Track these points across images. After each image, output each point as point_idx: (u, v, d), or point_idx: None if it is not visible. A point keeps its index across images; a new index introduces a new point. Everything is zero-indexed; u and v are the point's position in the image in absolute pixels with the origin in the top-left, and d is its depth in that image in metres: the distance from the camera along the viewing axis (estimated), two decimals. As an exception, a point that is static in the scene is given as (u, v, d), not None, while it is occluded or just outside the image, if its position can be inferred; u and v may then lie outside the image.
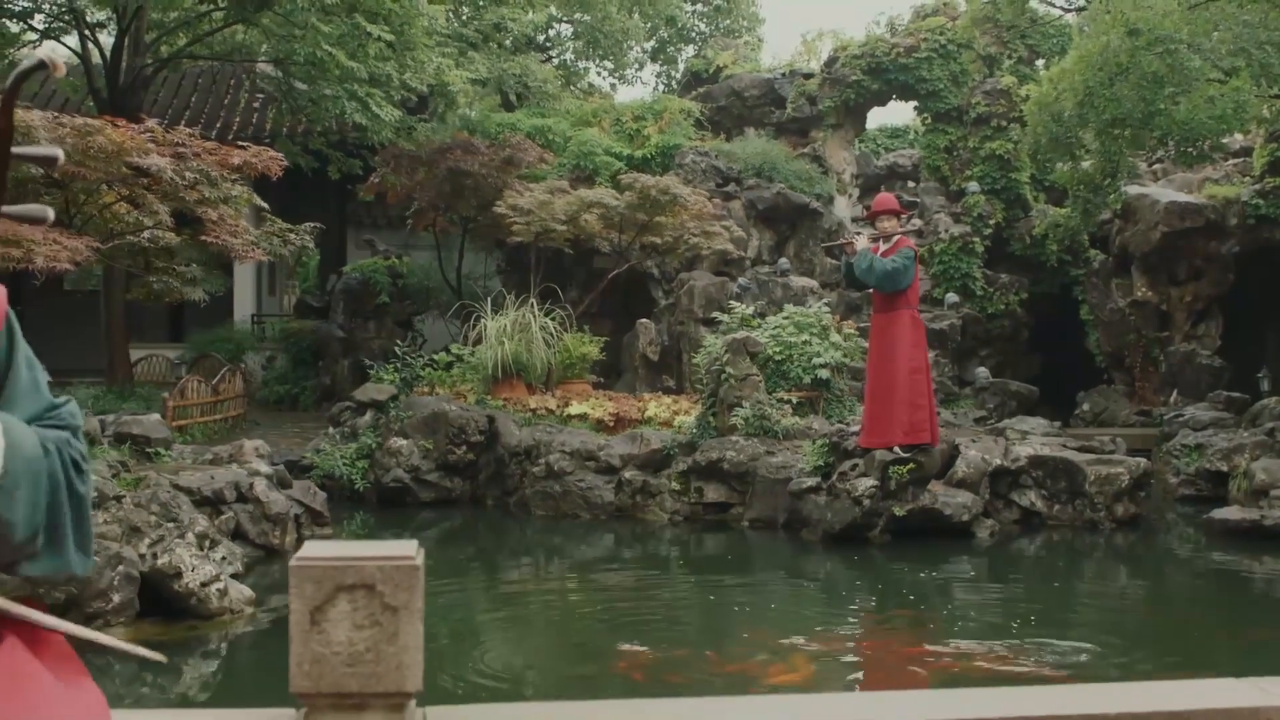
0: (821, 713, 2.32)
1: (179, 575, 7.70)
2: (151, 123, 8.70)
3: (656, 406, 13.71)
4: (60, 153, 2.13)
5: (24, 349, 2.08)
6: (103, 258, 7.71)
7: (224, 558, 8.53)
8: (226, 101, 21.88)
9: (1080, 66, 13.27)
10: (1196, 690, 2.43)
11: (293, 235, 11.82)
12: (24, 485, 1.88)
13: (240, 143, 10.86)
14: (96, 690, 1.92)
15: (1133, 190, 17.45)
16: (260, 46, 18.49)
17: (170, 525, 8.15)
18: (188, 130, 9.62)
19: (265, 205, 11.02)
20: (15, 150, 1.98)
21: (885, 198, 11.99)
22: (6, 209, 2.00)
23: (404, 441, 13.03)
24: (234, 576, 8.37)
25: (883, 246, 11.11)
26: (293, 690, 2.18)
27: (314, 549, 2.23)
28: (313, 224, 12.91)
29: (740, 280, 16.76)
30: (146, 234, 8.63)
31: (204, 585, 7.75)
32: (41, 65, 1.91)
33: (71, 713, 1.78)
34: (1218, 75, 13.21)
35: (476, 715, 2.31)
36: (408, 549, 2.22)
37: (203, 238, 9.38)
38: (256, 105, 20.92)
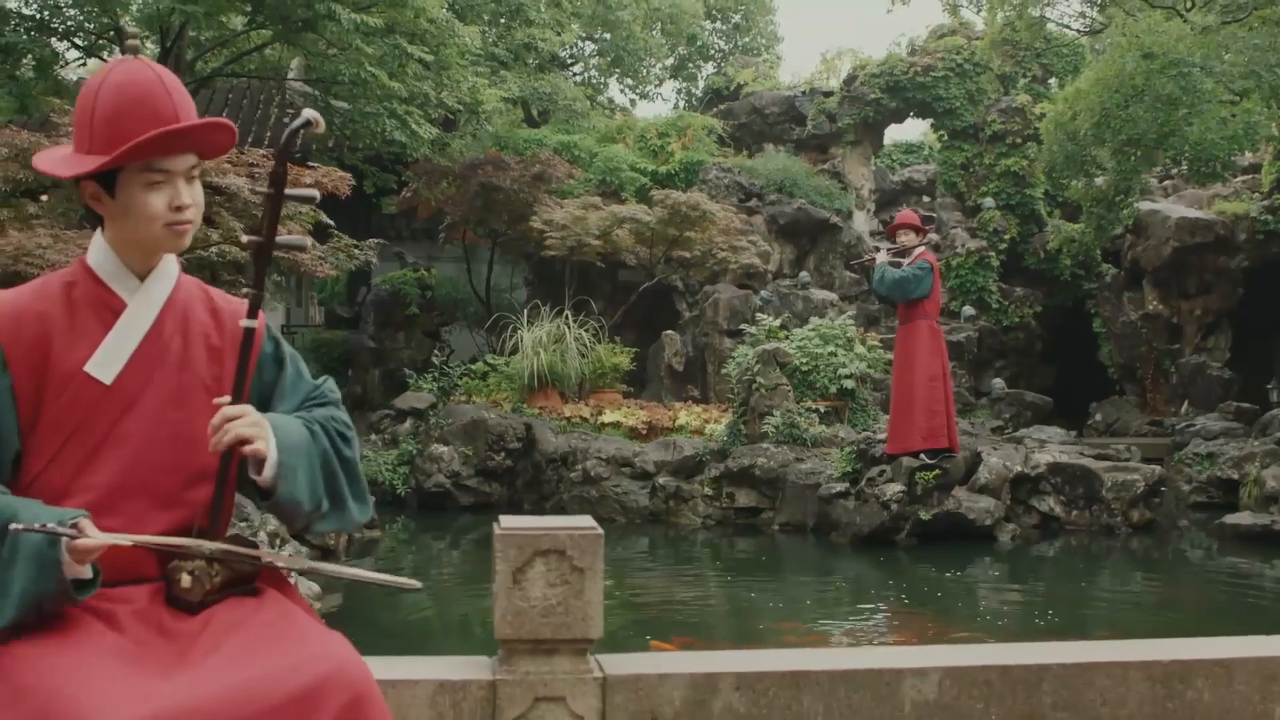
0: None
1: (256, 572, 8.17)
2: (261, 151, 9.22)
3: (687, 415, 14.19)
4: (317, 194, 2.62)
5: (288, 350, 2.57)
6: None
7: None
8: (258, 117, 22.38)
9: (1097, 88, 13.77)
10: (1237, 643, 2.91)
11: (357, 250, 12.33)
12: (300, 467, 2.38)
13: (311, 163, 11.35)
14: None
15: (1144, 206, 17.91)
16: (290, 64, 19.01)
17: (243, 525, 8.64)
18: (261, 151, 10.14)
19: (331, 222, 11.53)
20: (287, 191, 2.47)
21: (906, 214, 12.51)
22: (280, 239, 2.49)
23: (444, 448, 13.51)
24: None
25: (905, 261, 11.61)
26: (497, 637, 2.66)
27: (511, 522, 2.72)
28: (376, 239, 13.42)
29: (762, 293, 17.23)
30: (215, 249, 9.12)
31: (279, 581, 8.22)
32: (308, 124, 2.41)
33: (329, 643, 2.25)
34: (1229, 97, 13.70)
35: (645, 662, 2.78)
36: (590, 521, 2.70)
37: (277, 254, 9.85)
38: (287, 121, 21.42)
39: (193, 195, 2.38)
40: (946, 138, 20.22)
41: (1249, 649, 2.83)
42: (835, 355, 13.73)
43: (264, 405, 2.45)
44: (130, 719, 2.00)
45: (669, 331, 17.09)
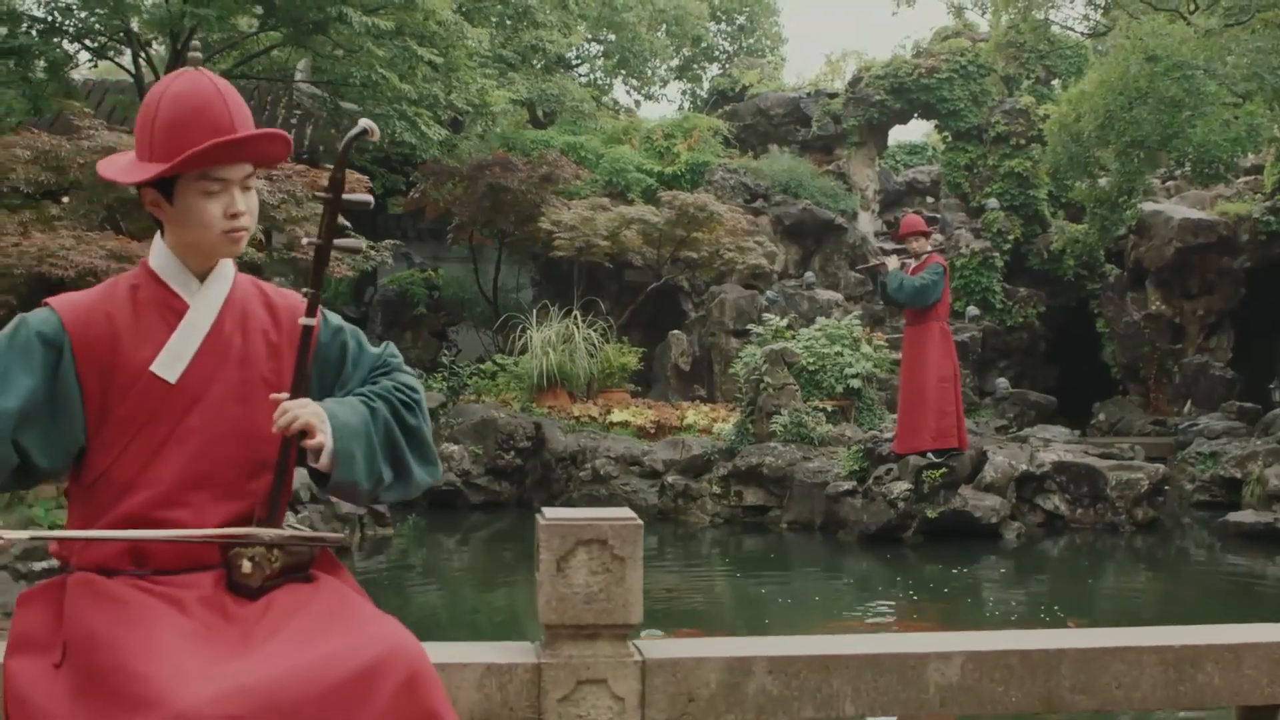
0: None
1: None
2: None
3: (695, 414, 14.32)
4: (371, 200, 2.74)
5: (347, 329, 2.68)
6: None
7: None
8: (264, 118, 22.52)
9: (1101, 90, 13.91)
10: (1245, 630, 3.04)
11: (373, 252, 12.48)
12: (357, 451, 2.50)
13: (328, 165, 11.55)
14: None
15: (1148, 207, 18.04)
16: (296, 65, 19.13)
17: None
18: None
19: (349, 224, 11.59)
20: (344, 197, 2.59)
21: (912, 219, 12.61)
22: (338, 241, 2.61)
23: (455, 447, 13.64)
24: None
25: (913, 265, 11.76)
26: (541, 621, 2.79)
27: (555, 513, 2.85)
28: (392, 241, 13.55)
29: (768, 293, 17.36)
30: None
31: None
32: (364, 132, 2.53)
33: (385, 625, 2.36)
34: (1233, 99, 13.83)
35: (682, 647, 2.91)
36: (630, 513, 2.83)
37: (293, 254, 10.06)
38: (294, 122, 21.56)
39: (247, 203, 2.49)
40: (951, 139, 20.36)
41: (1257, 635, 2.96)
42: (842, 355, 13.85)
43: (329, 391, 2.57)
44: (202, 696, 2.11)
45: (675, 331, 17.22)
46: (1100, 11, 17.77)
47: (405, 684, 2.23)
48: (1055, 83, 21.03)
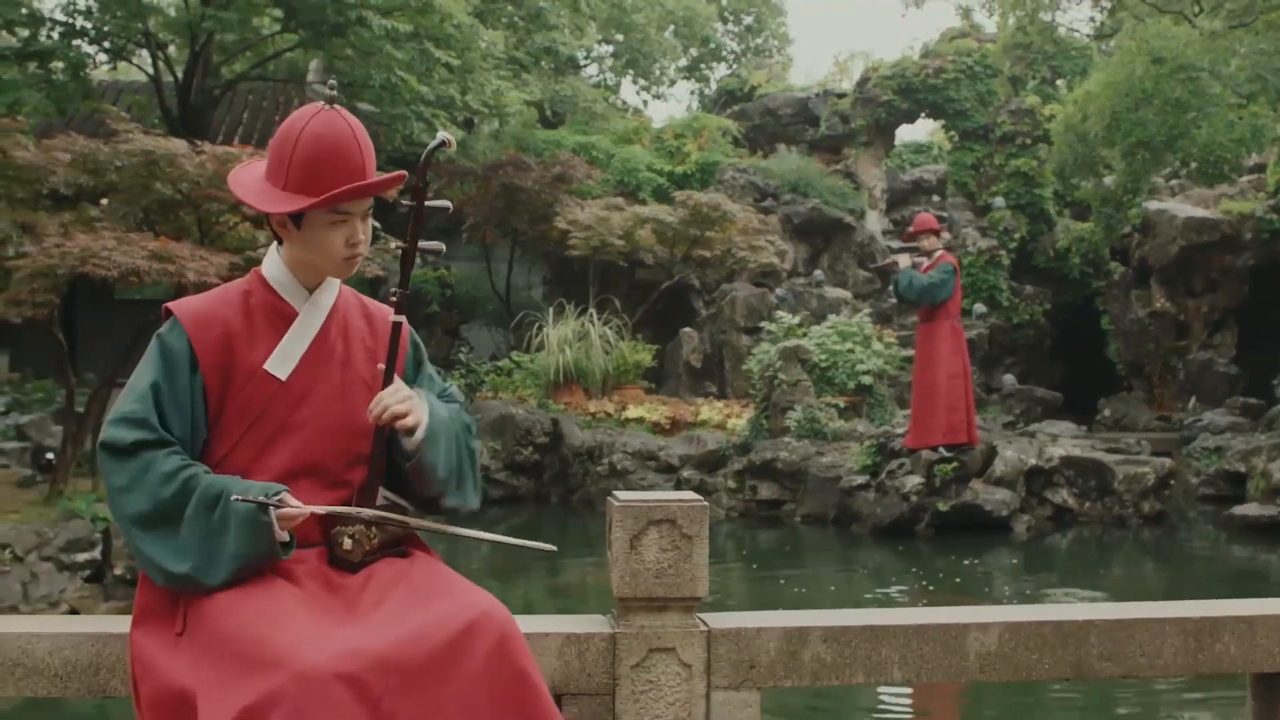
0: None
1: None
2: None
3: (709, 410, 14.58)
4: (449, 205, 3.00)
5: (425, 354, 2.97)
6: (234, 271, 8.60)
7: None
8: (277, 119, 22.75)
9: (1107, 92, 14.15)
10: (1259, 603, 3.31)
11: (385, 252, 12.70)
12: (441, 438, 2.79)
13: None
14: None
15: (1152, 206, 18.28)
16: (309, 66, 19.37)
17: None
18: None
19: (378, 224, 11.80)
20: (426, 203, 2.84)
21: (925, 218, 12.84)
22: (422, 244, 2.87)
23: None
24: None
25: (925, 263, 12.01)
26: (616, 595, 3.04)
27: (627, 496, 3.10)
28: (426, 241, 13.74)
29: (778, 291, 17.61)
30: (264, 250, 9.48)
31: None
32: (443, 143, 2.78)
33: (475, 593, 2.62)
34: (1237, 100, 14.07)
35: (743, 619, 3.16)
36: (696, 496, 3.09)
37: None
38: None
39: (365, 232, 2.76)
40: (957, 138, 20.61)
41: (1270, 608, 3.22)
42: (853, 352, 14.11)
43: None
44: (323, 657, 2.36)
45: (687, 329, 17.47)
46: (1105, 13, 18.01)
47: (497, 645, 2.49)
48: (1060, 83, 21.29)
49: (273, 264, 2.78)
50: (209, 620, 2.51)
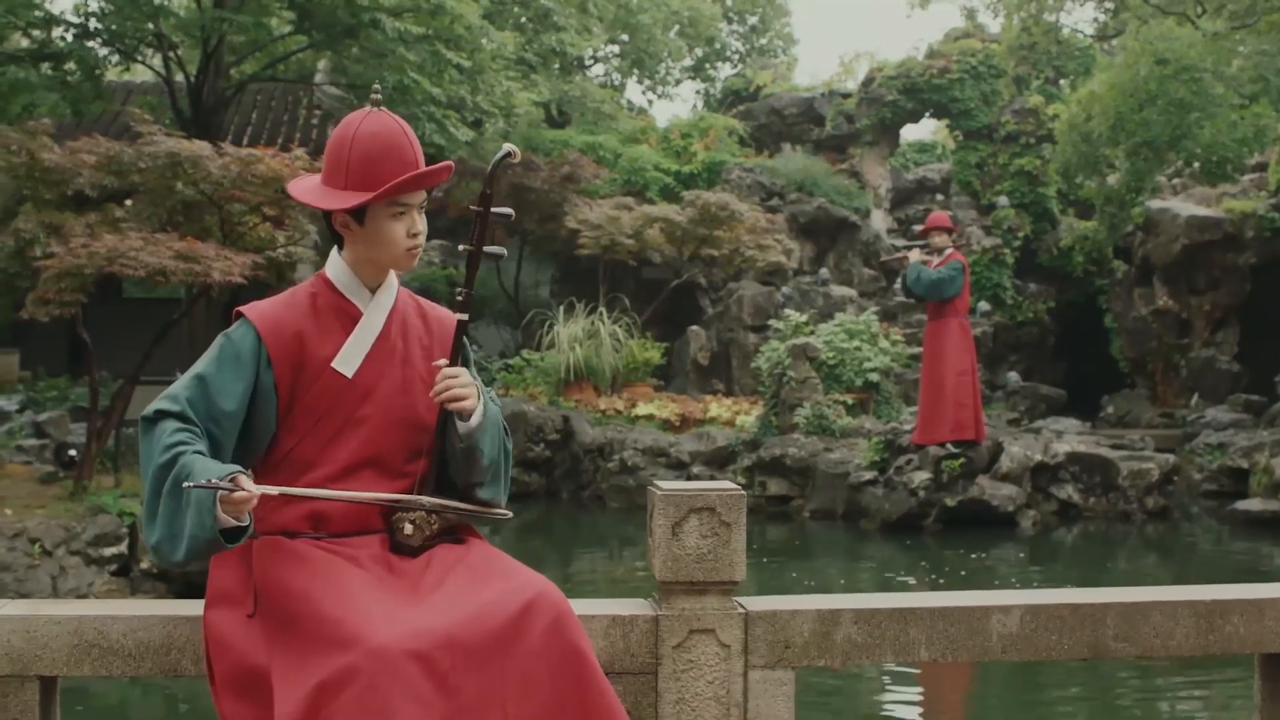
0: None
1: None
2: (299, 150, 9.74)
3: (718, 407, 14.76)
4: (512, 212, 3.16)
5: (470, 355, 3.13)
6: (256, 270, 8.79)
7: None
8: (286, 118, 22.90)
9: (1111, 92, 14.32)
10: (1267, 588, 3.48)
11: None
12: (489, 429, 2.95)
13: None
14: None
15: (1155, 205, 18.44)
16: (317, 67, 19.53)
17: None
18: (299, 151, 10.58)
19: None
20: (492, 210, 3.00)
21: (938, 215, 13.04)
22: (487, 248, 3.03)
23: (486, 439, 14.06)
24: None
25: (935, 260, 12.18)
26: (658, 579, 3.22)
27: (668, 485, 3.28)
28: (438, 241, 13.97)
29: (784, 289, 17.78)
30: (282, 250, 9.67)
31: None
32: (509, 154, 2.95)
33: (530, 575, 2.79)
34: (1240, 101, 14.24)
35: (779, 601, 3.33)
36: (734, 485, 3.27)
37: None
38: (315, 122, 21.94)
39: (423, 223, 2.93)
40: (961, 138, 20.77)
41: (1277, 592, 3.40)
42: (861, 350, 14.28)
43: None
44: (392, 635, 2.53)
45: (694, 327, 17.64)
46: (1109, 14, 18.17)
47: (553, 623, 2.66)
48: (1063, 83, 21.45)
49: (335, 266, 2.94)
50: (280, 602, 2.66)
